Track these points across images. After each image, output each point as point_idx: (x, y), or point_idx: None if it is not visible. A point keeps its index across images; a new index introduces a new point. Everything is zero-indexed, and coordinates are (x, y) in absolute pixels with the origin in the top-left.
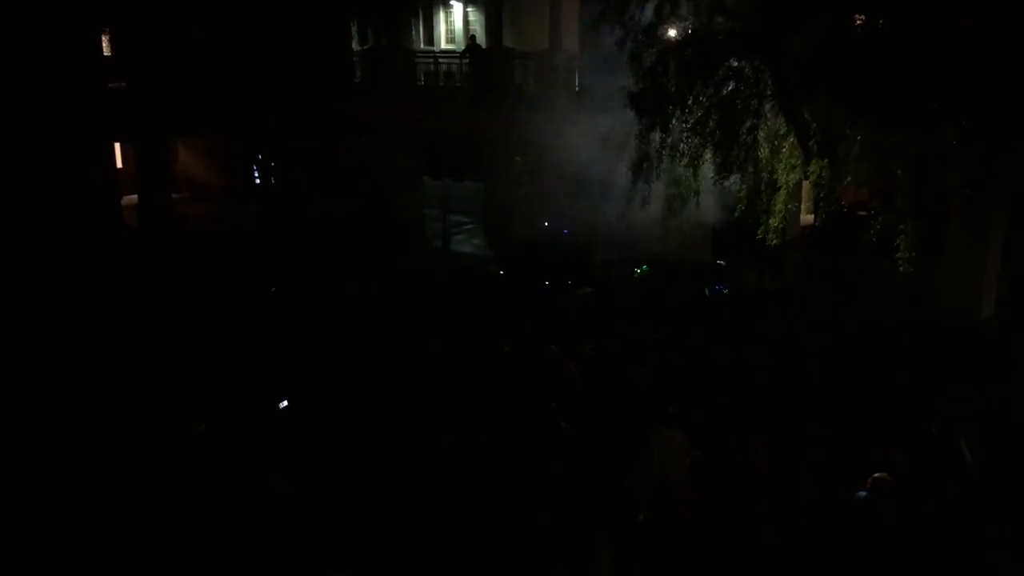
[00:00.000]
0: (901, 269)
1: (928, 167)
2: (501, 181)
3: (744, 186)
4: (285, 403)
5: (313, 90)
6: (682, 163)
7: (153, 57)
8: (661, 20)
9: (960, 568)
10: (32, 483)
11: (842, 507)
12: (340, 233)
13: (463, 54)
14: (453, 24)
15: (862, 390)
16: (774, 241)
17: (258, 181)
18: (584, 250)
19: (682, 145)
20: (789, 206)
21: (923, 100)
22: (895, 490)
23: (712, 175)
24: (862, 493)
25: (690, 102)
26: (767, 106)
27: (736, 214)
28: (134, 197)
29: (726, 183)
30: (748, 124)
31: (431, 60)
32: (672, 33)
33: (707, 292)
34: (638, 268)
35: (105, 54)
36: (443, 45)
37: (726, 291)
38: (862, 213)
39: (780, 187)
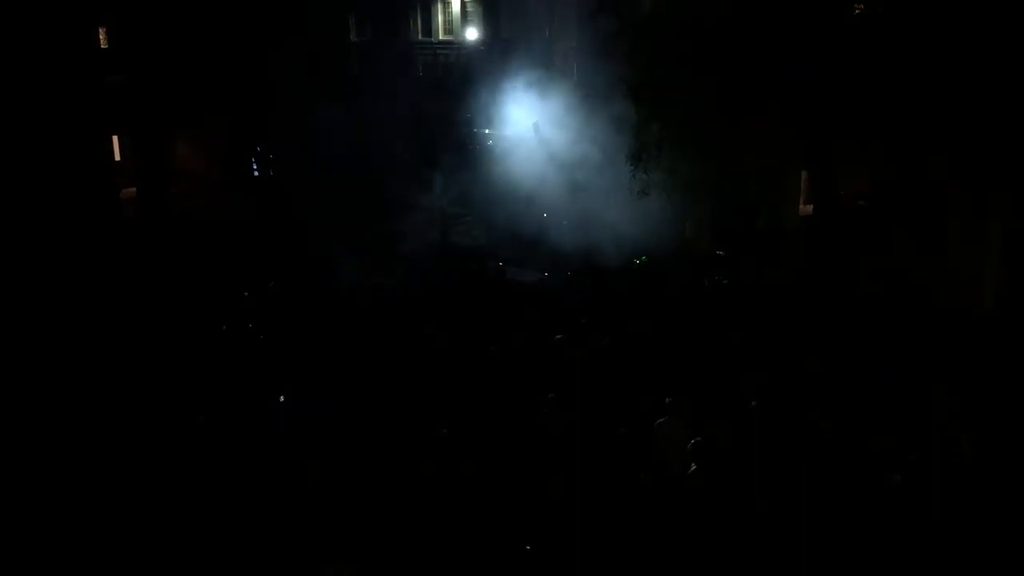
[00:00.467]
0: (900, 261)
1: (927, 160)
2: (499, 172)
3: (743, 177)
4: (282, 397)
5: (311, 82)
6: (681, 154)
7: (151, 50)
8: (659, 10)
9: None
10: (34, 480)
11: (876, 493)
12: (338, 224)
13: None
14: (451, 15)
15: (860, 381)
16: (772, 231)
17: (256, 173)
18: (583, 240)
19: (681, 136)
20: (788, 197)
21: (924, 92)
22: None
23: (711, 166)
24: (897, 477)
25: (688, 93)
26: (766, 97)
27: (735, 205)
28: (132, 190)
29: (725, 174)
30: (748, 114)
31: (430, 52)
32: (669, 23)
33: (706, 283)
34: (637, 258)
35: (103, 47)
36: (441, 36)
37: (725, 282)
38: (861, 203)
39: (779, 178)
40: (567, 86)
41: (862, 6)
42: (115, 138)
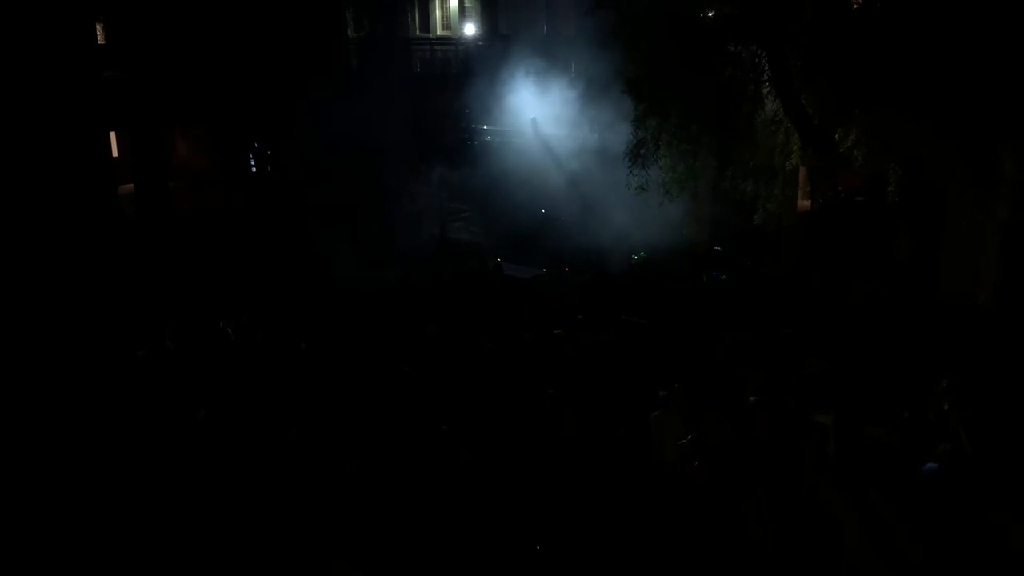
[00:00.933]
0: (898, 254)
1: (926, 150)
2: (497, 168)
3: (741, 172)
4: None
5: (309, 78)
6: (679, 149)
7: (148, 45)
8: (658, 4)
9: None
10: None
11: (910, 481)
12: (336, 221)
13: None
14: (449, 10)
15: (859, 374)
16: (770, 227)
17: (254, 170)
18: (581, 236)
19: (679, 131)
20: (786, 192)
21: (921, 83)
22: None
23: (709, 161)
24: (932, 466)
25: (687, 87)
26: (764, 91)
27: (733, 200)
28: (130, 186)
29: (723, 169)
30: (746, 110)
31: (427, 47)
32: (669, 18)
33: (704, 278)
34: (635, 254)
35: (100, 43)
36: (439, 32)
37: (723, 277)
38: (859, 199)
39: (777, 173)
40: (565, 81)
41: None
42: (113, 134)
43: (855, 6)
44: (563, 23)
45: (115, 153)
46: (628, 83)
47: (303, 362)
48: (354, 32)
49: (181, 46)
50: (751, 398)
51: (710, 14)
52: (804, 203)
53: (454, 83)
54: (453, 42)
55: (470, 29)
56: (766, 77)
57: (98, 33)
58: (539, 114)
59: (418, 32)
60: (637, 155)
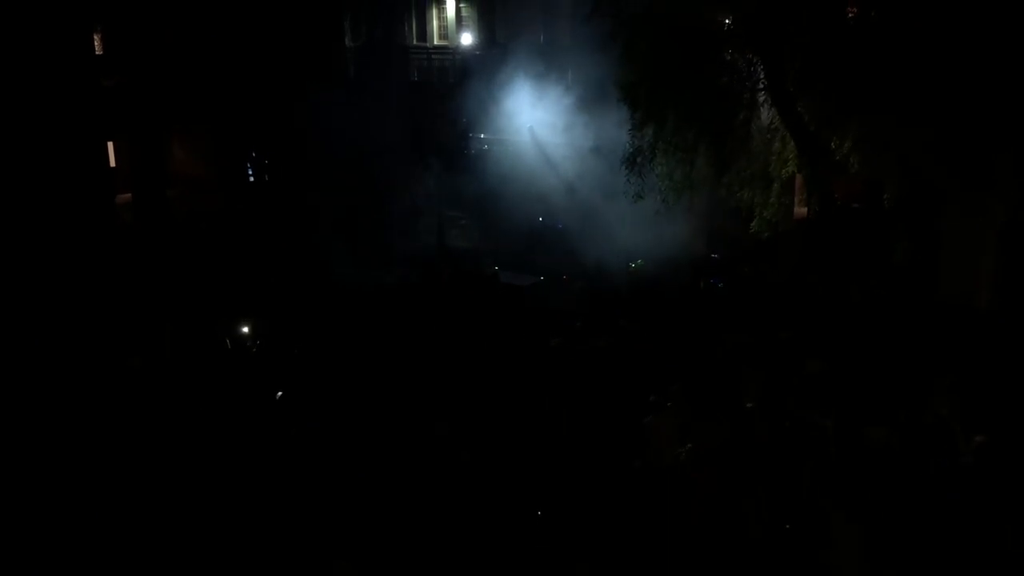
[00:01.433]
0: (896, 257)
1: (922, 155)
2: (494, 176)
3: (738, 179)
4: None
5: (307, 85)
6: (676, 156)
7: (146, 53)
8: (654, 12)
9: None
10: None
11: (944, 475)
12: (334, 227)
13: None
14: (446, 19)
15: (859, 376)
16: (767, 234)
17: (252, 178)
18: (579, 243)
19: (676, 138)
20: (783, 199)
21: (916, 89)
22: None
23: (706, 168)
24: (968, 458)
25: (683, 95)
26: (760, 99)
27: (731, 207)
28: (128, 195)
29: (720, 176)
30: (742, 117)
31: (424, 56)
32: (665, 26)
33: (702, 285)
34: (633, 262)
35: (98, 52)
36: (436, 41)
37: (721, 284)
38: (856, 205)
39: (774, 180)
40: (562, 89)
41: (856, 10)
42: (110, 143)
43: (850, 15)
44: (560, 31)
45: (113, 162)
46: (624, 90)
47: (298, 366)
48: (352, 41)
49: (178, 54)
50: (748, 405)
51: (706, 22)
52: (801, 210)
53: (451, 91)
54: (450, 51)
55: (467, 38)
56: (762, 85)
57: (96, 42)
58: (536, 122)
59: (415, 41)
60: (634, 162)
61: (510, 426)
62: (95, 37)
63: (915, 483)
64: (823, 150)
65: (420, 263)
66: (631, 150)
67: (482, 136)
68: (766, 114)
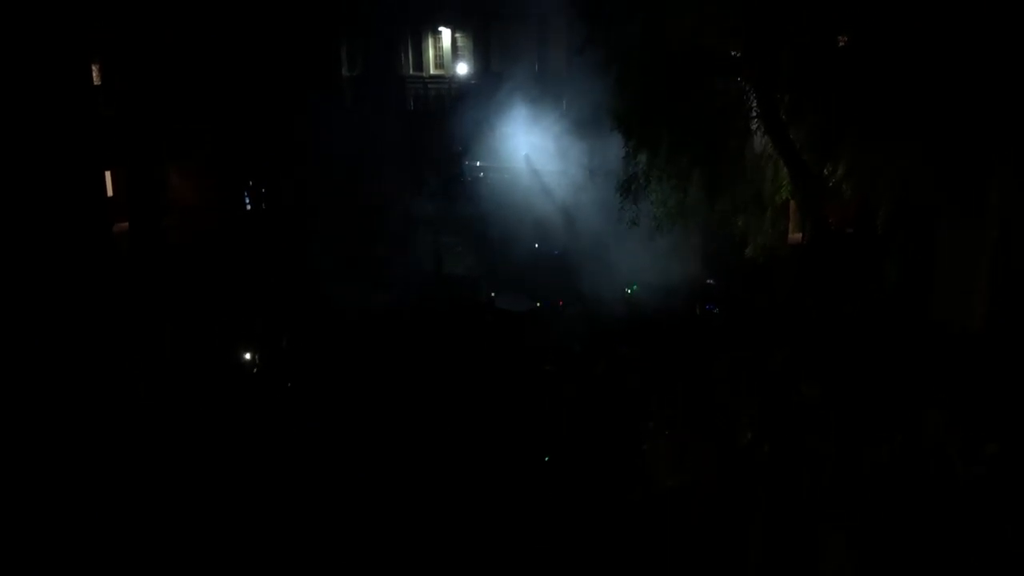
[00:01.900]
0: (889, 281)
1: (914, 181)
2: (490, 203)
3: (732, 205)
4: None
5: (303, 115)
6: (670, 183)
7: (143, 84)
8: (647, 41)
9: None
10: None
11: (958, 485)
12: (331, 254)
13: None
14: (442, 49)
15: (855, 400)
16: (761, 259)
17: (249, 205)
18: (575, 269)
19: (669, 165)
20: (777, 224)
21: (907, 115)
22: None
23: (700, 195)
24: (980, 469)
25: (676, 122)
26: (753, 126)
27: (725, 233)
28: (125, 224)
29: (714, 202)
30: (735, 144)
31: (421, 85)
32: (657, 54)
33: (697, 311)
34: (629, 287)
35: (96, 83)
36: (432, 71)
37: (716, 310)
38: (850, 230)
39: (767, 206)
40: (557, 117)
41: (847, 38)
42: (107, 172)
43: (840, 43)
44: (554, 61)
45: (110, 191)
46: (618, 118)
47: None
48: (349, 71)
49: (176, 84)
50: (748, 434)
51: (697, 51)
52: (795, 235)
53: (448, 119)
54: (446, 80)
55: (463, 67)
56: (754, 112)
57: (94, 72)
58: (532, 149)
59: (412, 70)
60: (628, 189)
61: (506, 452)
62: (93, 67)
63: (913, 506)
64: (816, 176)
65: (417, 289)
66: (625, 177)
67: (478, 163)
68: (759, 141)
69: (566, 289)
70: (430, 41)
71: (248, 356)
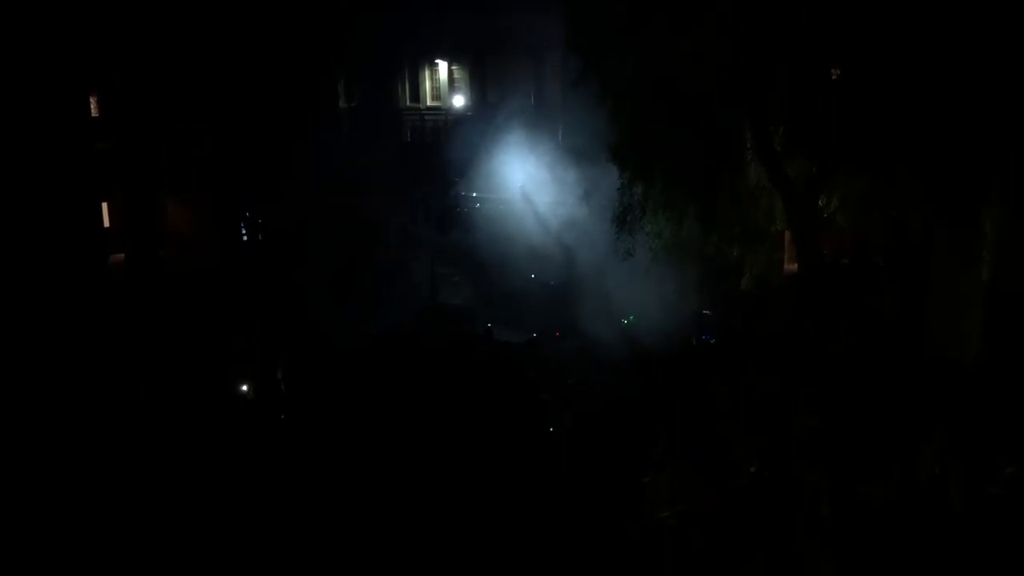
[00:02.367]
0: (884, 314)
1: (909, 210)
2: (487, 234)
3: (727, 236)
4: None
5: (300, 146)
6: (665, 214)
7: (141, 117)
8: (640, 76)
9: None
10: None
11: (975, 504)
12: (326, 286)
13: None
14: (439, 81)
15: (851, 432)
16: (757, 290)
17: (245, 236)
18: (571, 300)
19: (664, 197)
20: (772, 255)
21: (900, 148)
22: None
23: (695, 226)
24: (995, 490)
25: (670, 155)
26: (748, 158)
27: (721, 264)
28: (121, 255)
29: (709, 234)
30: (729, 176)
31: (417, 117)
32: (651, 88)
33: (694, 341)
34: (625, 318)
35: (93, 115)
36: (429, 102)
37: (713, 340)
38: (845, 261)
39: (762, 237)
40: (552, 149)
41: (839, 71)
42: (104, 204)
43: (834, 76)
44: (549, 93)
45: (106, 222)
46: (613, 151)
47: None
48: (346, 102)
49: (173, 116)
50: (751, 469)
51: (691, 85)
52: (791, 266)
53: (444, 150)
54: (443, 111)
55: (459, 100)
56: (748, 144)
57: (92, 105)
58: (527, 180)
59: (409, 102)
60: (624, 220)
61: (504, 484)
62: (91, 100)
63: (909, 538)
64: (811, 207)
65: (413, 319)
66: (621, 208)
67: (474, 194)
68: (753, 172)
69: (563, 320)
70: (427, 73)
71: (244, 387)
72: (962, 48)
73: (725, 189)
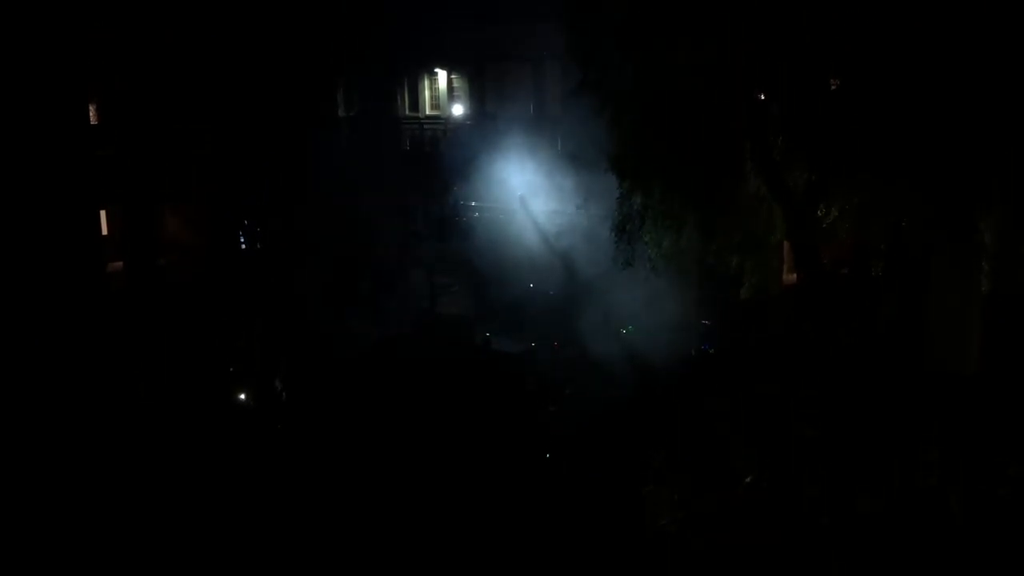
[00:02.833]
0: (883, 324)
1: (908, 220)
2: (485, 244)
3: (726, 246)
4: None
5: (298, 155)
6: (664, 224)
7: (140, 124)
8: (639, 86)
9: None
10: None
11: (981, 507)
12: (324, 295)
13: None
14: (438, 90)
15: (849, 444)
16: (756, 299)
17: (244, 245)
18: (569, 311)
19: (663, 206)
20: (771, 265)
21: (900, 158)
22: None
23: (694, 236)
24: (1004, 491)
25: (669, 165)
26: (747, 168)
27: (720, 274)
28: (119, 264)
29: (708, 243)
30: (728, 185)
31: (416, 126)
32: (650, 98)
33: (693, 351)
34: (624, 328)
35: (92, 122)
36: (428, 111)
37: (712, 350)
38: (844, 271)
39: (762, 247)
40: (552, 157)
41: (839, 80)
42: (103, 212)
43: (833, 86)
44: (549, 102)
45: (104, 230)
46: (612, 161)
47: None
48: (345, 111)
49: (173, 123)
50: (747, 479)
51: (689, 96)
52: (790, 275)
53: (443, 160)
54: (442, 120)
55: (458, 109)
56: (748, 154)
57: (91, 112)
58: (526, 190)
59: (408, 111)
60: (623, 230)
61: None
62: (90, 107)
63: (909, 550)
64: (810, 217)
65: (411, 329)
66: (620, 217)
67: (473, 203)
68: (753, 182)
69: (562, 330)
70: (426, 82)
71: (243, 395)
72: (962, 57)
73: (725, 198)
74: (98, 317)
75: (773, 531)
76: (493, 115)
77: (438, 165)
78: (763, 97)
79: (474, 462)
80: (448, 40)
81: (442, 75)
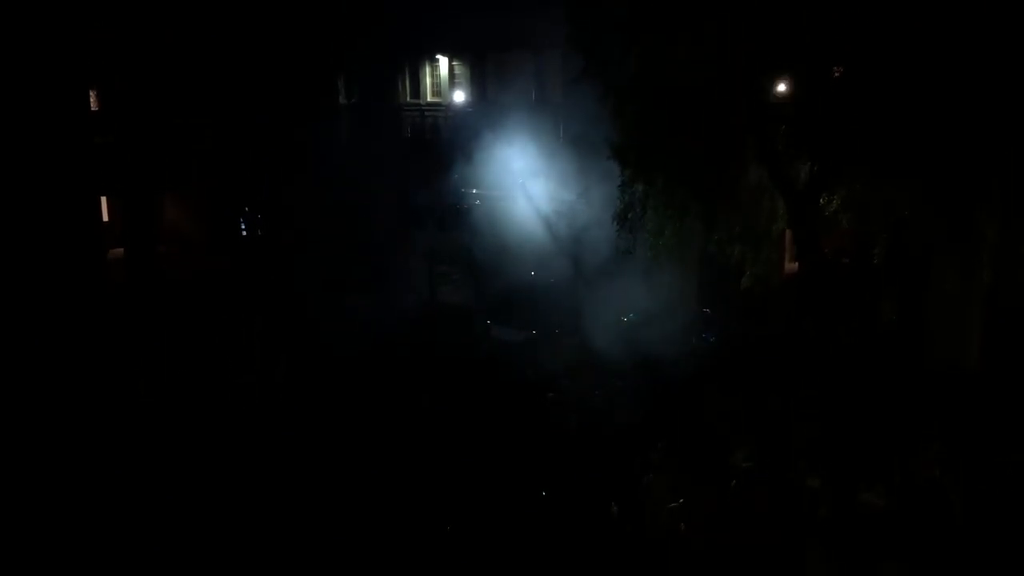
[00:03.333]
0: (884, 317)
1: (911, 214)
2: (486, 231)
3: (728, 236)
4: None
5: (299, 143)
6: (666, 213)
7: (141, 112)
8: (641, 75)
9: None
10: None
11: (985, 504)
12: (326, 284)
13: None
14: (439, 77)
15: (850, 438)
16: (758, 289)
17: (244, 232)
18: (570, 299)
19: (665, 195)
20: (773, 255)
21: (902, 150)
22: None
23: (696, 225)
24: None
25: (672, 154)
26: (749, 158)
27: (721, 263)
28: (120, 251)
29: (710, 233)
30: (731, 175)
31: (417, 113)
32: (653, 87)
33: (694, 340)
34: (625, 317)
35: (93, 109)
36: (429, 98)
37: (712, 339)
38: (846, 261)
39: (764, 237)
40: (553, 146)
41: (841, 71)
42: (103, 199)
43: (836, 75)
44: (551, 89)
45: (105, 217)
46: (614, 149)
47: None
48: (346, 99)
49: (173, 111)
50: (744, 464)
51: (692, 85)
52: (791, 265)
53: (444, 147)
54: (443, 108)
55: (459, 96)
56: (750, 144)
57: (91, 100)
58: (528, 178)
59: (409, 98)
60: (625, 218)
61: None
62: (90, 94)
63: (910, 544)
64: (812, 207)
65: (412, 317)
66: (622, 206)
67: (474, 191)
68: (755, 172)
69: (562, 318)
70: (427, 70)
71: (244, 385)
72: (963, 50)
73: (726, 188)
74: (99, 304)
75: (773, 531)
76: (495, 103)
77: (439, 153)
78: (765, 87)
79: (472, 450)
80: (450, 28)
81: (443, 62)
